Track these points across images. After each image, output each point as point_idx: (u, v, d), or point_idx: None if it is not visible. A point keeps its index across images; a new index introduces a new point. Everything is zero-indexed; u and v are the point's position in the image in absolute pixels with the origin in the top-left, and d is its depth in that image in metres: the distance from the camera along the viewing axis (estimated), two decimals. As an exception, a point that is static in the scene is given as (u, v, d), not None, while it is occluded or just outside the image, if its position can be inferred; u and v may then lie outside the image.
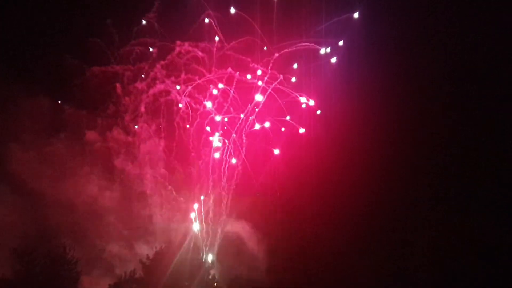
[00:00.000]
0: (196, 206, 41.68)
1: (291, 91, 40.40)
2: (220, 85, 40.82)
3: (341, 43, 40.32)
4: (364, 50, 40.11)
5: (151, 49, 42.34)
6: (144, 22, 42.08)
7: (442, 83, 40.96)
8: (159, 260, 37.61)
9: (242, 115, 40.94)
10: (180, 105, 41.71)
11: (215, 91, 41.38)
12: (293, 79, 40.88)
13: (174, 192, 42.54)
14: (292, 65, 40.83)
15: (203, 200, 41.70)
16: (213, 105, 41.21)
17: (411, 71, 41.14)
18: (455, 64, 40.61)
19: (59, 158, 41.99)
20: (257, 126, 41.00)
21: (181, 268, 37.64)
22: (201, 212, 41.59)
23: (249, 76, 40.71)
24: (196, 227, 41.26)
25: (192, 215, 41.54)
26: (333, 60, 40.44)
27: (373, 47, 40.53)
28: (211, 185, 41.56)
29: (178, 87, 41.29)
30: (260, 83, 40.52)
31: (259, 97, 40.53)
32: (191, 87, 41.11)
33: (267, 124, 41.10)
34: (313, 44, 39.68)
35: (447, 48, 40.91)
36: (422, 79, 41.17)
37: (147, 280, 36.76)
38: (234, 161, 41.10)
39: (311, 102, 40.76)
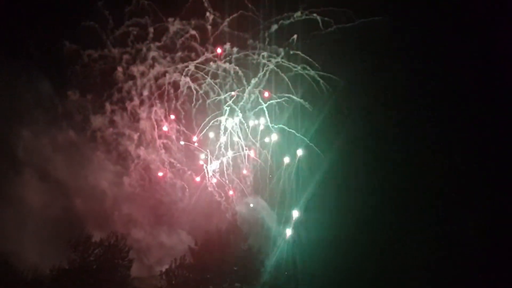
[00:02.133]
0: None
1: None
2: (219, 63, 38.84)
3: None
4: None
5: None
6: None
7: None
8: (207, 245, 37.08)
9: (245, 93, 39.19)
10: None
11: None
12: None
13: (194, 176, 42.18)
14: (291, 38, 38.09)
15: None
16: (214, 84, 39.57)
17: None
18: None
19: (73, 145, 42.06)
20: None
21: (228, 253, 36.85)
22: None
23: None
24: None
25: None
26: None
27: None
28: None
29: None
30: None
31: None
32: (191, 66, 39.33)
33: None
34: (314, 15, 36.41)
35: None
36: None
37: (197, 266, 36.32)
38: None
39: None
